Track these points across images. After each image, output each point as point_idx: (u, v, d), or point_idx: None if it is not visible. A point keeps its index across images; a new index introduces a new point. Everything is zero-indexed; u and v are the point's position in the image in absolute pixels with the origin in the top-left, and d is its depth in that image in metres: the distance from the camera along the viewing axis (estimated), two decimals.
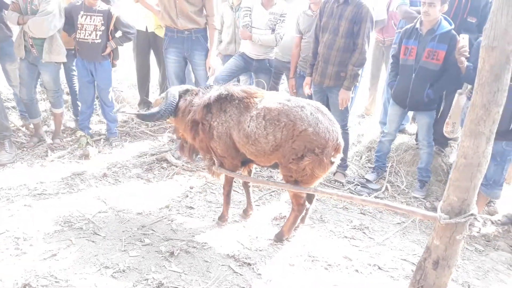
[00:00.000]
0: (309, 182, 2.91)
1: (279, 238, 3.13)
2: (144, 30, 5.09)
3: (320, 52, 4.06)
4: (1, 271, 2.58)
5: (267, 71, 4.75)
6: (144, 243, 2.95)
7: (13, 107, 5.27)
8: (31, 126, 4.78)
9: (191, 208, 3.54)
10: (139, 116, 3.42)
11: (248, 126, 2.87)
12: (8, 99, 5.49)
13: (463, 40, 3.53)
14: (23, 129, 4.93)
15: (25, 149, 4.50)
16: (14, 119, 5.05)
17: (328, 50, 3.96)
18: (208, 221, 3.34)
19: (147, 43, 5.23)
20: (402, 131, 5.19)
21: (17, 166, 4.12)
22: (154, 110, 3.16)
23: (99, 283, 2.52)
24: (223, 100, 2.98)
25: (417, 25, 3.81)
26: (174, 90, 3.22)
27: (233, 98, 2.96)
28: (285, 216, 3.44)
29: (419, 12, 4.39)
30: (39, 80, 4.69)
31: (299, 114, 2.77)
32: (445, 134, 4.22)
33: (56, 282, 2.51)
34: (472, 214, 2.03)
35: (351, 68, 3.91)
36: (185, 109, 3.15)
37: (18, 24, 4.15)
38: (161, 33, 4.76)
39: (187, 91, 3.27)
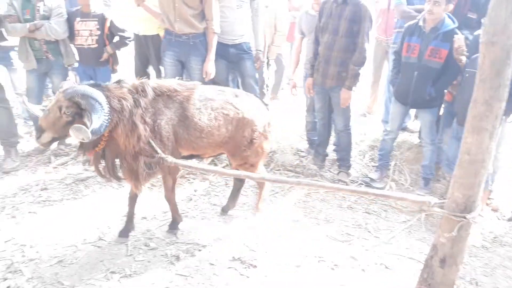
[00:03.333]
0: (260, 160, 3.28)
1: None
2: (141, 34, 5.04)
3: (320, 52, 4.07)
4: (8, 277, 2.59)
5: (248, 56, 4.44)
6: (150, 247, 2.95)
7: (17, 114, 5.29)
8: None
9: (196, 211, 3.55)
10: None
11: (200, 119, 2.87)
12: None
13: (459, 40, 3.52)
14: (27, 136, 4.95)
15: (28, 156, 4.52)
16: (18, 127, 5.06)
17: (328, 51, 3.97)
18: (213, 224, 3.34)
19: (145, 47, 5.19)
20: (405, 129, 5.19)
21: (21, 174, 4.14)
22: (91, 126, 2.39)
23: None
24: (164, 96, 2.81)
25: (420, 23, 3.80)
26: (90, 89, 2.47)
27: (174, 93, 2.84)
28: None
29: (417, 11, 4.40)
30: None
31: (240, 103, 3.04)
32: None
33: None
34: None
35: (352, 67, 3.92)
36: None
37: (30, 32, 4.14)
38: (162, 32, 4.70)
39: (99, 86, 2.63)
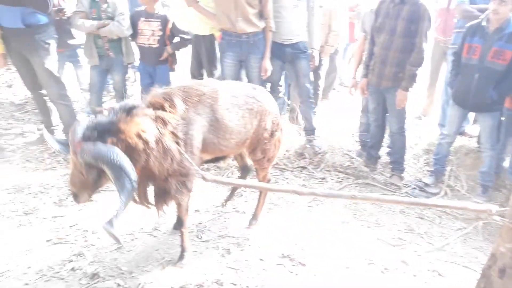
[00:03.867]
0: (277, 154, 3.21)
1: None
2: (201, 34, 5.19)
3: (376, 53, 4.01)
4: (73, 260, 2.78)
5: (304, 56, 4.50)
6: (202, 239, 3.05)
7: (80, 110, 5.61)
8: None
9: (246, 206, 3.61)
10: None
11: (230, 120, 2.67)
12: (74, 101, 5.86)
13: None
14: None
15: None
16: None
17: (385, 51, 3.91)
18: (263, 221, 3.39)
19: (203, 48, 5.34)
20: (462, 133, 4.98)
21: None
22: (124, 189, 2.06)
23: (160, 277, 2.64)
24: (194, 102, 2.51)
25: (483, 23, 3.65)
26: (100, 151, 2.04)
27: (203, 96, 2.56)
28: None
29: (480, 10, 4.22)
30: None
31: (260, 95, 2.94)
32: None
33: (121, 273, 2.67)
34: None
35: (409, 68, 3.84)
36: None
37: (97, 28, 4.37)
38: (217, 33, 4.81)
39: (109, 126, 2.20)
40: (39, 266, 2.68)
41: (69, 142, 2.14)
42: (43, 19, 4.11)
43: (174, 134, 2.36)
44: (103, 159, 2.00)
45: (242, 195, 3.82)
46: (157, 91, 2.43)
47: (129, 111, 2.22)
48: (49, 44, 4.21)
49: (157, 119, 2.30)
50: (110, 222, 1.97)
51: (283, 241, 3.09)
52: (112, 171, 2.01)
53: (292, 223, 3.37)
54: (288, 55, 4.47)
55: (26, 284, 2.49)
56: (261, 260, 2.85)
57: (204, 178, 2.24)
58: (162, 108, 2.36)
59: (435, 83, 5.68)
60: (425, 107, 5.89)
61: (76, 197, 2.23)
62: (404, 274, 2.81)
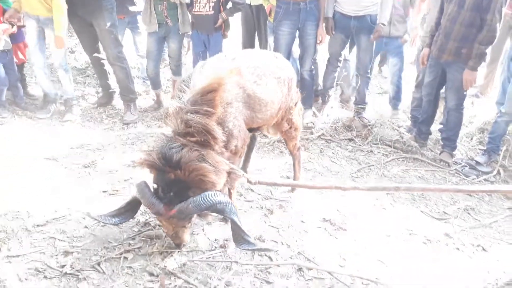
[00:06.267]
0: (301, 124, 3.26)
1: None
2: (248, 3, 5.20)
3: (442, 24, 3.83)
4: None
5: (369, 31, 4.34)
6: (247, 199, 3.17)
7: (136, 76, 5.85)
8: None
9: (291, 174, 3.67)
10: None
11: (261, 93, 2.61)
12: (131, 67, 6.11)
13: None
14: (145, 94, 5.49)
15: (145, 112, 5.02)
16: (137, 85, 5.62)
17: (450, 24, 3.73)
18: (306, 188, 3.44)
19: (251, 18, 5.36)
20: None
21: (139, 126, 4.62)
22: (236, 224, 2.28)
23: (207, 229, 2.78)
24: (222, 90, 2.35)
25: None
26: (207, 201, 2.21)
27: (229, 75, 2.45)
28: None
29: None
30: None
31: (282, 62, 2.95)
32: None
33: None
34: None
35: (477, 46, 3.64)
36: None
37: None
38: (266, 4, 4.80)
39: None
40: (97, 213, 2.90)
41: (150, 210, 2.32)
42: None
43: (217, 146, 2.34)
44: (206, 208, 2.23)
45: (286, 162, 3.88)
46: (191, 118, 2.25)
47: (178, 164, 2.21)
48: (112, 8, 4.45)
49: (197, 143, 2.27)
50: (249, 244, 2.24)
51: (325, 206, 3.14)
52: (216, 211, 2.29)
53: (335, 191, 3.40)
54: (352, 28, 4.34)
55: (85, 227, 2.72)
56: (302, 222, 2.93)
57: (249, 181, 2.32)
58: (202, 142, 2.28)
59: (496, 60, 5.40)
60: (483, 84, 5.62)
61: (183, 244, 2.49)
62: (446, 247, 2.79)
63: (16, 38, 4.61)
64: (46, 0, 4.12)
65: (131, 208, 2.51)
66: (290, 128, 3.10)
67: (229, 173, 2.46)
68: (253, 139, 3.47)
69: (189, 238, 2.53)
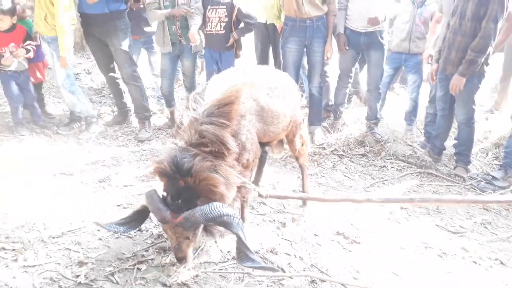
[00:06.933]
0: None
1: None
2: (264, 22, 5.30)
3: (446, 36, 3.87)
4: None
5: (379, 46, 4.42)
6: (259, 212, 3.17)
7: (151, 96, 5.96)
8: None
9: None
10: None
11: (274, 105, 2.63)
12: (146, 87, 6.23)
13: None
14: (159, 112, 5.58)
15: (160, 130, 5.09)
16: (152, 104, 5.72)
17: (453, 35, 3.77)
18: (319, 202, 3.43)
19: (267, 35, 5.46)
20: None
21: (153, 143, 4.69)
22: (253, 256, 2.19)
23: (219, 242, 2.78)
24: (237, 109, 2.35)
25: None
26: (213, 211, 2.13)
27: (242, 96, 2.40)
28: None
29: None
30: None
31: (287, 77, 3.07)
32: None
33: None
34: None
35: (469, 52, 3.66)
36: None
37: (169, 15, 4.57)
38: (277, 23, 4.89)
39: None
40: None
41: (156, 217, 2.28)
42: (122, 5, 4.48)
43: (230, 158, 2.34)
44: (212, 219, 2.13)
45: (299, 177, 3.88)
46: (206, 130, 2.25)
47: (189, 172, 2.20)
48: (126, 28, 4.58)
49: (211, 154, 2.27)
50: (253, 261, 2.15)
51: (338, 220, 3.13)
52: (223, 223, 2.18)
53: (348, 205, 3.38)
54: (362, 44, 4.41)
55: (100, 239, 2.74)
56: (316, 235, 2.91)
57: (260, 195, 2.34)
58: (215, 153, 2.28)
59: (510, 76, 5.36)
60: (497, 100, 5.58)
61: (185, 260, 2.33)
62: (463, 260, 2.74)
63: (35, 57, 4.69)
64: (47, 20, 4.20)
65: (138, 217, 2.46)
66: (302, 145, 3.19)
67: (239, 188, 2.45)
68: (264, 153, 3.45)
69: (192, 256, 2.42)
